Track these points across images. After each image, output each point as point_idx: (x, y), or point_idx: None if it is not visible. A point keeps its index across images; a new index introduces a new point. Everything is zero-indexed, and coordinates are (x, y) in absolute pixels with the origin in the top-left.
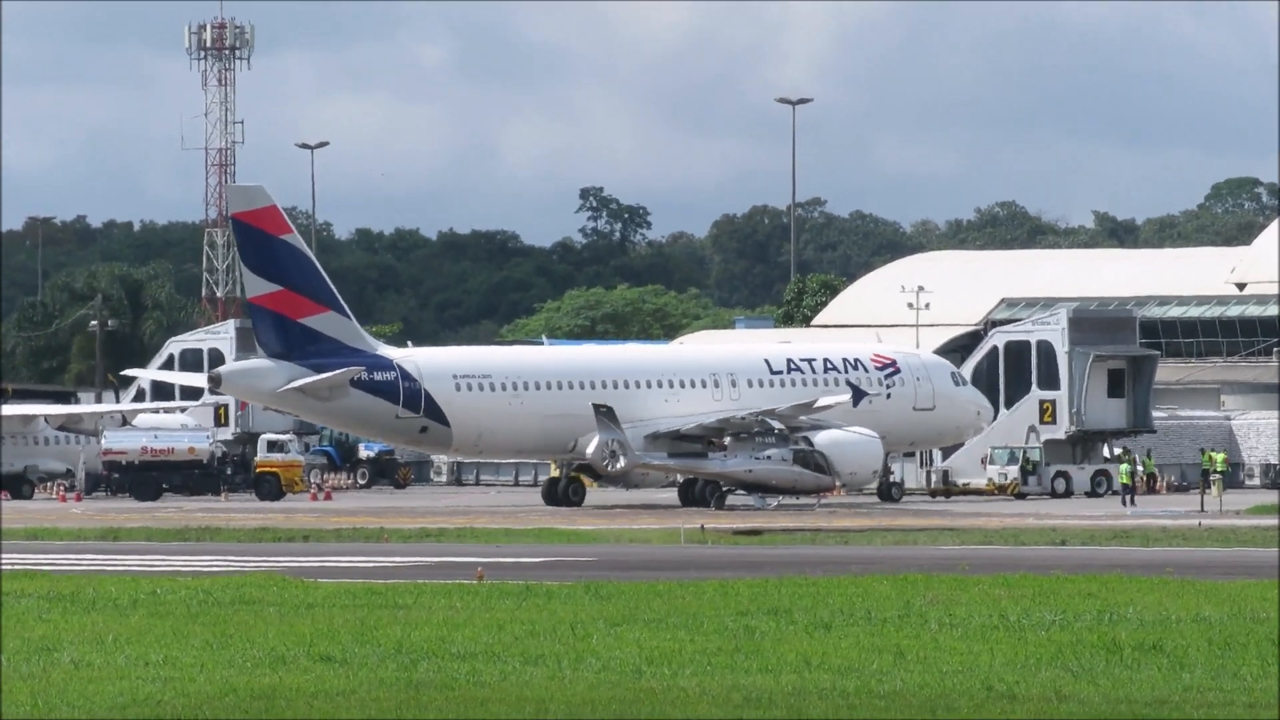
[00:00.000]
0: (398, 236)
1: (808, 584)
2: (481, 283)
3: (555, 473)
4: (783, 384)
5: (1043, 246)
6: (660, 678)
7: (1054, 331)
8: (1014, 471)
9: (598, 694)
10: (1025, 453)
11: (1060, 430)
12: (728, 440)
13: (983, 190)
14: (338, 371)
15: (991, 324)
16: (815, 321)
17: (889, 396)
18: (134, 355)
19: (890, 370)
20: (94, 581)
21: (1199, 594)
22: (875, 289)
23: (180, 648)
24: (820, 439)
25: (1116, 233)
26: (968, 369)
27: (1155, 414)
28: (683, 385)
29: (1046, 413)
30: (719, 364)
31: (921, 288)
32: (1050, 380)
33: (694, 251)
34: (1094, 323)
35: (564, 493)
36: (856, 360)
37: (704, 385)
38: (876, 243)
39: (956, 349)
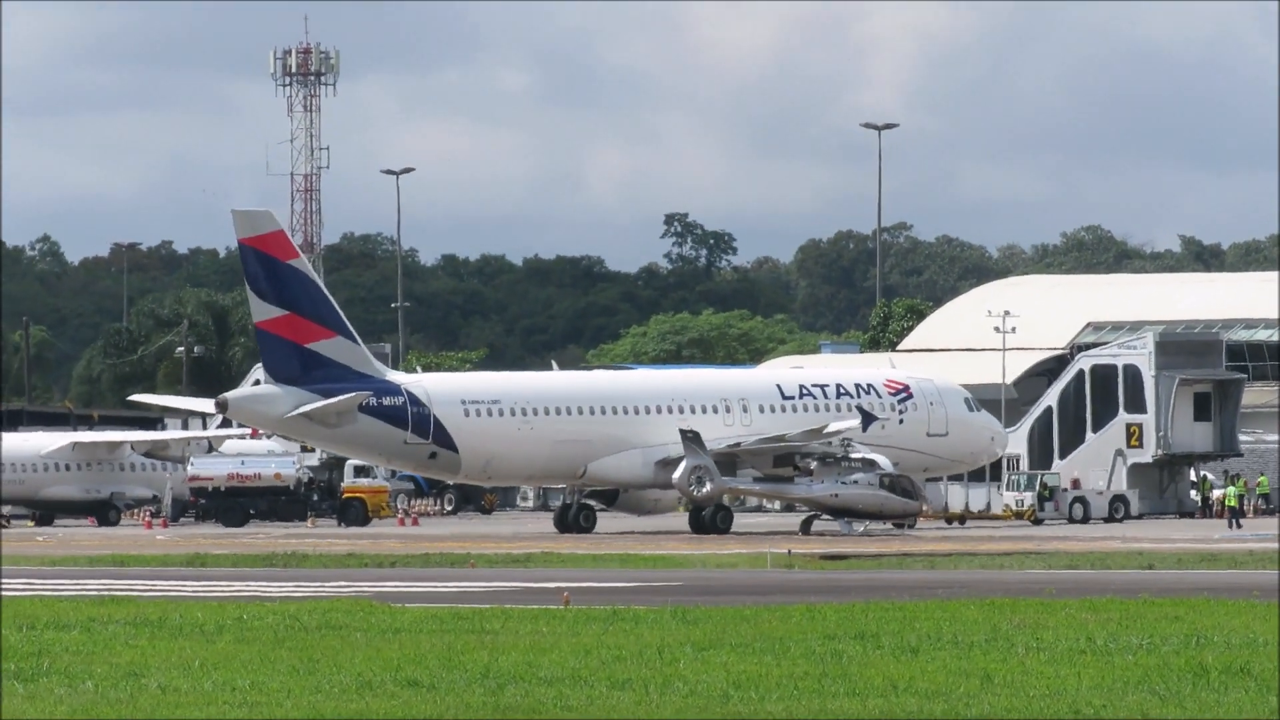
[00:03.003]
0: (483, 262)
1: (894, 608)
2: (567, 308)
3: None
4: (794, 409)
5: (1129, 271)
6: (747, 702)
7: (1140, 355)
8: (1030, 497)
9: (685, 718)
10: (1042, 479)
11: (1147, 454)
12: (814, 465)
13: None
14: (345, 397)
15: (1078, 348)
16: (901, 346)
17: (902, 422)
18: (221, 381)
19: (903, 395)
20: (180, 607)
21: None
22: (961, 313)
23: (267, 673)
24: None
25: (1202, 256)
26: (1054, 393)
27: (1241, 438)
28: (694, 410)
29: (1133, 436)
30: (731, 389)
31: (1008, 312)
32: (1137, 404)
33: (779, 277)
34: (1180, 346)
35: (575, 519)
36: (870, 385)
37: (715, 410)
38: (962, 267)
39: (1043, 373)
